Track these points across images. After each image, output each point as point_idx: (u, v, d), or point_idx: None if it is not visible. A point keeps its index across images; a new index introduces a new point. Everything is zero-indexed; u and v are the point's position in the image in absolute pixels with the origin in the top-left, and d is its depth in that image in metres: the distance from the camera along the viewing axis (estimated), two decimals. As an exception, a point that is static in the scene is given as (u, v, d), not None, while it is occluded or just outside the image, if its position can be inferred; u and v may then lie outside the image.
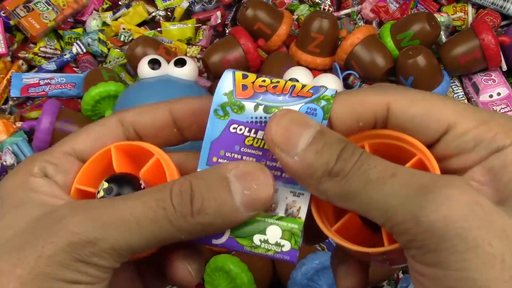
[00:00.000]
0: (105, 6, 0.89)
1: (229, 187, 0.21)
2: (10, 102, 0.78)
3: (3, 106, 0.78)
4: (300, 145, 0.21)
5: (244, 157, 0.23)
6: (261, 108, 0.23)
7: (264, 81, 0.23)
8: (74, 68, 0.83)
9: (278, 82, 0.23)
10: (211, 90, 0.73)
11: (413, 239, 0.19)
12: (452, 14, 0.84)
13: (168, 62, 0.70)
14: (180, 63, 0.69)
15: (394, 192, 0.19)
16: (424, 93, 0.23)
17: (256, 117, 0.23)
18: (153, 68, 0.69)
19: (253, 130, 0.23)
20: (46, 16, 0.83)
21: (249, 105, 0.23)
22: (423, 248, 0.18)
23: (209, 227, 0.22)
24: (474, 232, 0.18)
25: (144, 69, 0.69)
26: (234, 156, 0.23)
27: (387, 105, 0.22)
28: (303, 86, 0.23)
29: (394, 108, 0.22)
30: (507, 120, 0.22)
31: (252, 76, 0.24)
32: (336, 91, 0.23)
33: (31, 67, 0.83)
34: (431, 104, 0.22)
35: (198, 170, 0.24)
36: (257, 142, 0.23)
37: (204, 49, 0.83)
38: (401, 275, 0.64)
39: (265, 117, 0.23)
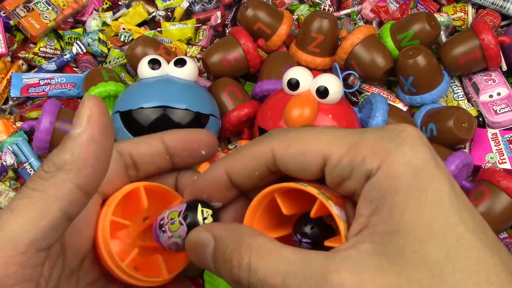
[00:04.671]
0: (105, 6, 0.89)
1: None
2: (10, 102, 0.78)
3: (3, 106, 0.78)
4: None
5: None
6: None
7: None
8: (74, 68, 0.83)
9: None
10: (211, 90, 0.73)
11: None
12: (452, 14, 0.84)
13: (168, 62, 0.70)
14: (180, 63, 0.69)
15: None
16: (302, 130, 0.24)
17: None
18: (153, 68, 0.69)
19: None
20: (46, 16, 0.83)
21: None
22: None
23: None
24: None
25: (144, 69, 0.69)
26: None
27: (272, 152, 0.24)
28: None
29: (276, 153, 0.24)
30: (375, 136, 0.22)
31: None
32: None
33: (31, 67, 0.83)
34: (305, 141, 0.23)
35: None
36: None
37: (204, 49, 0.83)
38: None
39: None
